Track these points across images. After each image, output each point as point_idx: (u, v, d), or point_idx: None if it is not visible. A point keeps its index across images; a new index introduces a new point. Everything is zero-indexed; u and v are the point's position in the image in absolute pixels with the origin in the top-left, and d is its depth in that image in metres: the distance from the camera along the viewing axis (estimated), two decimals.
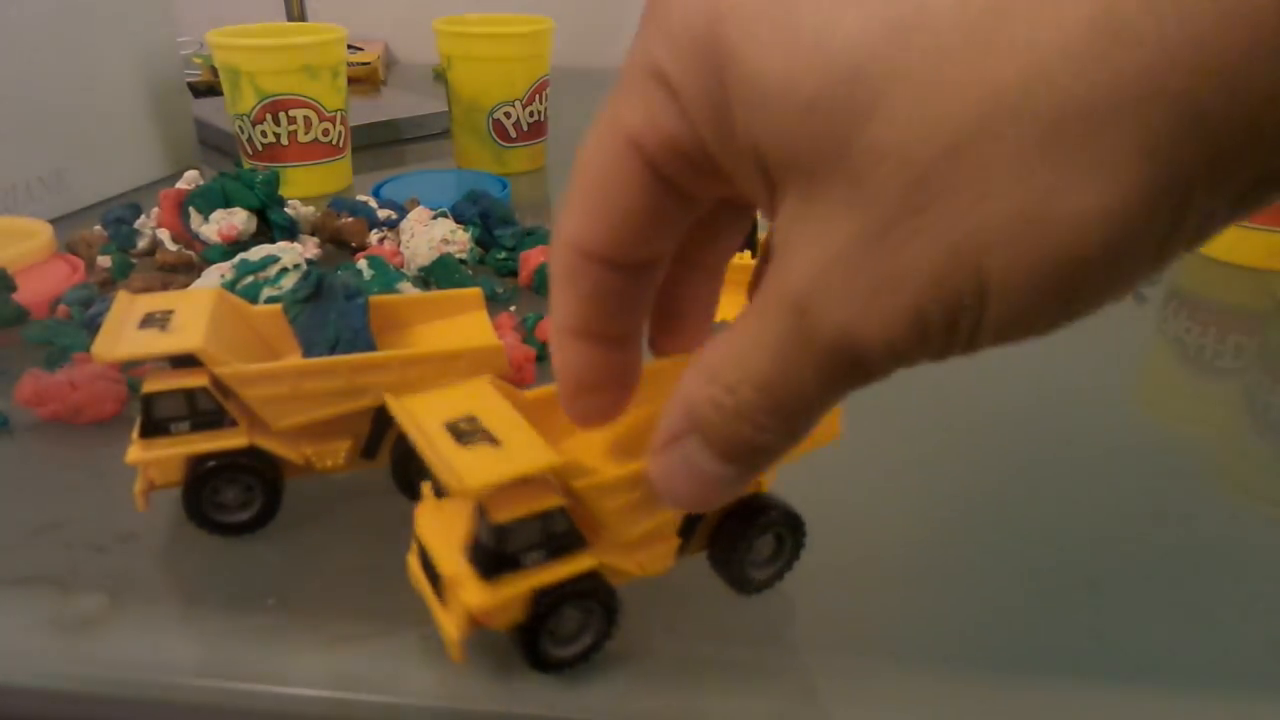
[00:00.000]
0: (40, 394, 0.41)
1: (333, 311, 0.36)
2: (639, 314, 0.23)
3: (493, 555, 0.27)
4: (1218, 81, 0.14)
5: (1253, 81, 0.14)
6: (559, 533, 0.27)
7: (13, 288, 0.49)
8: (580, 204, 0.21)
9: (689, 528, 0.30)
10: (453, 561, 0.28)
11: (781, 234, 0.18)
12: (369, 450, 0.36)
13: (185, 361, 0.32)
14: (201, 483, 0.33)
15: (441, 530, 0.29)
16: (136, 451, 0.32)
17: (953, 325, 0.16)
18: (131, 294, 0.35)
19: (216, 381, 0.32)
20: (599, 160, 0.20)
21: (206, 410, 0.32)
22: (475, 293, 0.39)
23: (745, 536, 0.30)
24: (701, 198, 0.21)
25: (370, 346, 0.35)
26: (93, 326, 0.47)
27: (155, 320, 0.33)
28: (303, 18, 1.14)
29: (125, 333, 0.32)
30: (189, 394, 0.32)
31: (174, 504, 0.36)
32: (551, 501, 0.27)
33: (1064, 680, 0.30)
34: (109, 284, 0.54)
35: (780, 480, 0.31)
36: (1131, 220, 0.15)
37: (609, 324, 0.23)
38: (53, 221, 0.59)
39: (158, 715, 0.29)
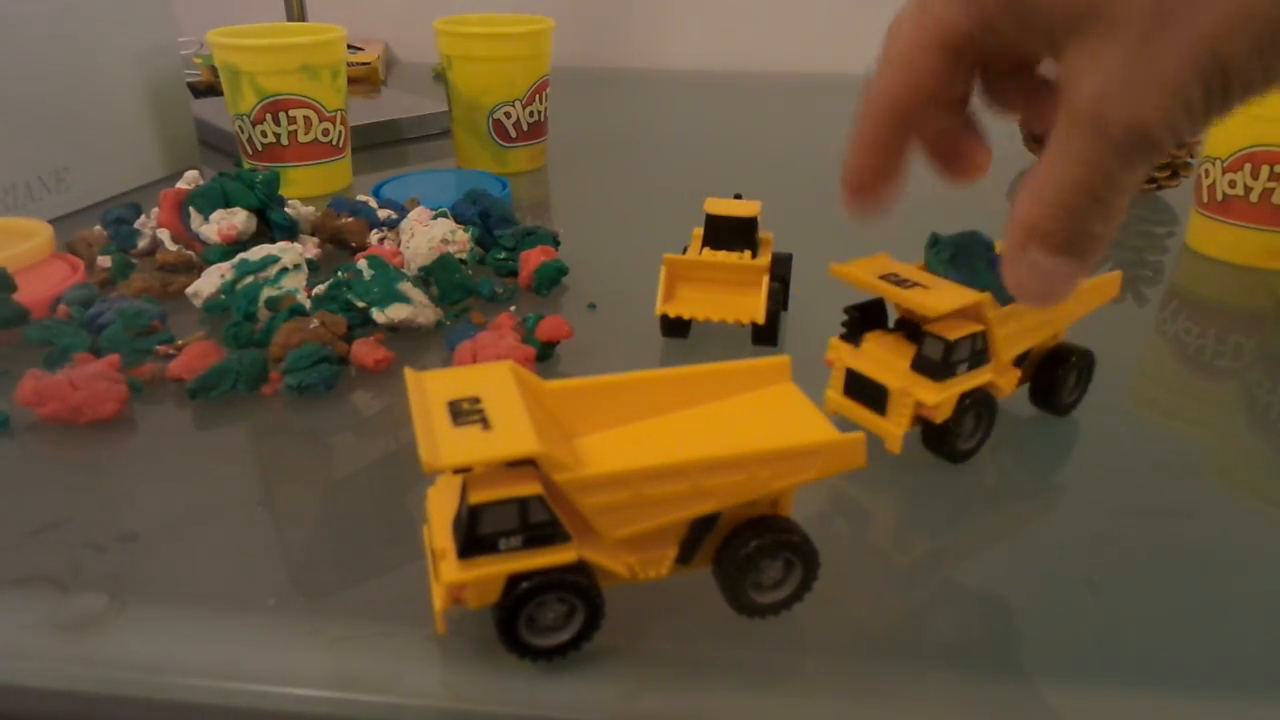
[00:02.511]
0: (40, 394, 0.41)
1: (981, 262, 0.39)
2: (908, 147, 0.31)
3: (467, 534, 0.27)
4: None
5: None
6: (538, 522, 0.27)
7: (13, 288, 0.49)
8: (891, 67, 0.29)
9: (693, 540, 0.30)
10: (446, 537, 0.28)
11: (1067, 76, 0.25)
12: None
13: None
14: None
15: (445, 506, 0.29)
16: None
17: (1208, 95, 0.23)
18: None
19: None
20: (909, 34, 0.28)
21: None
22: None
23: (752, 556, 0.29)
24: (971, 67, 0.29)
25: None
26: (93, 326, 0.47)
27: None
28: (303, 18, 1.14)
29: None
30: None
31: (174, 504, 0.36)
32: (529, 489, 0.27)
33: (1064, 680, 0.30)
34: (109, 284, 0.54)
35: None
36: None
37: (893, 152, 0.30)
38: (53, 221, 0.59)
39: (158, 715, 0.29)
